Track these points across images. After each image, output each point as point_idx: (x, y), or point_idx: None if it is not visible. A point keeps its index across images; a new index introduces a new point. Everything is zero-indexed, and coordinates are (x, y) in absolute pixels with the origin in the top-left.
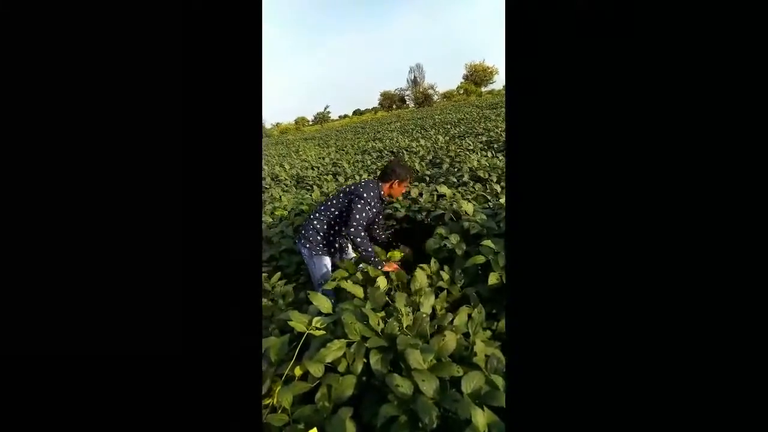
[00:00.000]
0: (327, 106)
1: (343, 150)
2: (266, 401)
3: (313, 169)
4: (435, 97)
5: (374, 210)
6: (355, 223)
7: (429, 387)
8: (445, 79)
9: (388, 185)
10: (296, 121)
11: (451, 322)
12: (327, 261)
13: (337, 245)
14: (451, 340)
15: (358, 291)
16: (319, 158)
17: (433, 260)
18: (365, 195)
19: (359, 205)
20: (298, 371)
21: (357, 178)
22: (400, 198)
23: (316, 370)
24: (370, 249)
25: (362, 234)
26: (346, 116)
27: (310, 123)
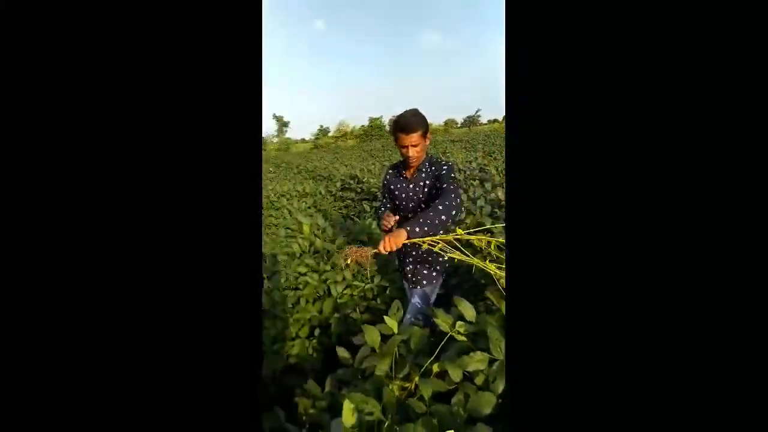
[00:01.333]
0: (478, 109)
1: (491, 155)
2: (405, 384)
3: (460, 171)
4: None
5: (391, 187)
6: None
7: None
8: None
9: None
10: (445, 123)
11: None
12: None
13: (403, 262)
14: None
15: (502, 304)
16: (466, 162)
17: None
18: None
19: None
20: (436, 368)
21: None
22: (409, 153)
23: (456, 374)
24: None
25: (378, 214)
26: (495, 121)
27: (458, 126)
